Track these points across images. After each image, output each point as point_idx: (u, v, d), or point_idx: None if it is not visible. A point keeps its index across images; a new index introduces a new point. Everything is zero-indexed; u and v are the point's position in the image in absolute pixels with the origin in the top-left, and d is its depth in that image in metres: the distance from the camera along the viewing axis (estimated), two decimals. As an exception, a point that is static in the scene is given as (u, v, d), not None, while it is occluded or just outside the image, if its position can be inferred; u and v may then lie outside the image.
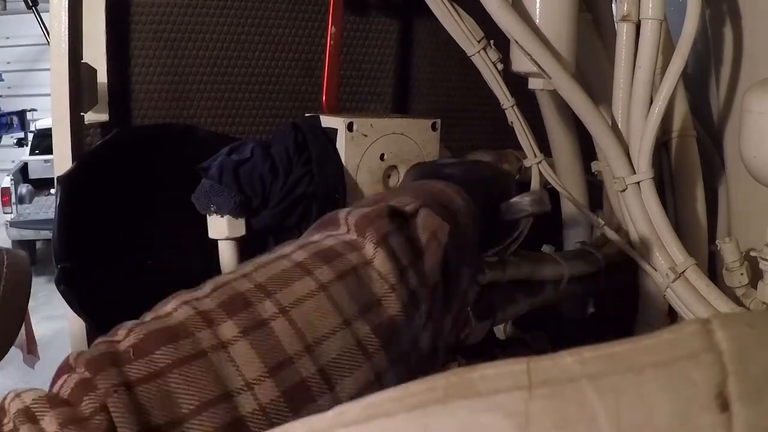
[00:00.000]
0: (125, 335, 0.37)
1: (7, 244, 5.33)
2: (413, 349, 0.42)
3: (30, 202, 5.88)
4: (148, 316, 0.39)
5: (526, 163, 0.90)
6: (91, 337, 0.96)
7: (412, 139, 0.87)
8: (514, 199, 0.59)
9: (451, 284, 0.46)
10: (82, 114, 0.93)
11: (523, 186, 0.94)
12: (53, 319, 3.37)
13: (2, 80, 7.42)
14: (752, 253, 0.77)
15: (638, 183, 0.79)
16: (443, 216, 0.47)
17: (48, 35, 0.95)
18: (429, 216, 0.46)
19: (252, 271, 0.41)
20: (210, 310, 0.38)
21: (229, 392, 0.35)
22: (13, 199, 6.20)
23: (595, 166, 0.93)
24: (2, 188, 6.28)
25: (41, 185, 6.06)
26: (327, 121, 0.85)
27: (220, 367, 0.35)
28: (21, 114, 7.30)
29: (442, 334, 0.45)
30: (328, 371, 0.37)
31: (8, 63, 7.31)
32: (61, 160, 0.94)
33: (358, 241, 0.43)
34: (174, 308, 0.39)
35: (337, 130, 0.79)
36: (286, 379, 0.36)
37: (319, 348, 0.37)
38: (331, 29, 0.88)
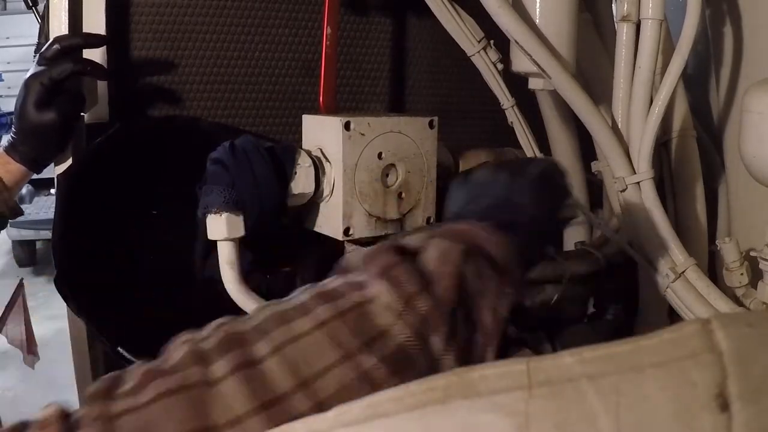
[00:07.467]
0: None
1: (8, 244, 5.32)
2: (434, 371, 0.41)
3: (30, 202, 5.85)
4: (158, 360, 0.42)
5: (526, 163, 0.89)
6: (91, 337, 0.96)
7: (409, 137, 0.87)
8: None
9: (472, 309, 0.46)
10: (82, 114, 0.93)
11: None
12: (53, 319, 3.36)
13: (2, 80, 7.40)
14: (752, 253, 0.77)
15: (638, 183, 0.79)
16: (459, 246, 0.47)
17: (48, 35, 0.95)
18: (438, 244, 0.47)
19: (257, 312, 0.44)
20: (206, 349, 0.41)
21: (214, 425, 0.37)
22: (13, 199, 6.18)
23: (595, 166, 0.93)
24: (2, 188, 6.25)
25: (41, 185, 6.04)
26: (324, 120, 0.85)
27: (206, 402, 0.38)
28: (21, 114, 7.25)
29: (474, 354, 0.46)
30: (329, 405, 0.36)
31: (8, 63, 7.28)
32: (61, 160, 0.94)
33: (361, 280, 0.45)
34: (175, 351, 0.42)
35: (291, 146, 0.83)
36: (279, 413, 0.38)
37: (315, 383, 0.39)
38: (326, 30, 0.88)
